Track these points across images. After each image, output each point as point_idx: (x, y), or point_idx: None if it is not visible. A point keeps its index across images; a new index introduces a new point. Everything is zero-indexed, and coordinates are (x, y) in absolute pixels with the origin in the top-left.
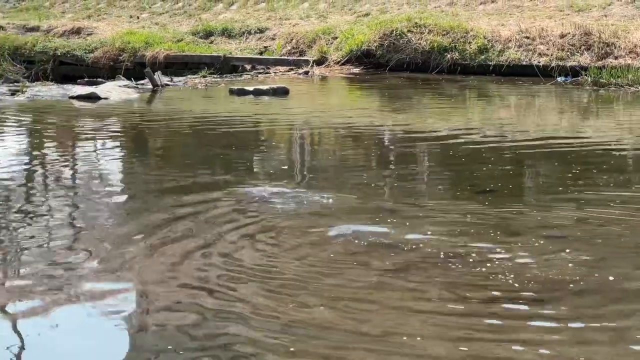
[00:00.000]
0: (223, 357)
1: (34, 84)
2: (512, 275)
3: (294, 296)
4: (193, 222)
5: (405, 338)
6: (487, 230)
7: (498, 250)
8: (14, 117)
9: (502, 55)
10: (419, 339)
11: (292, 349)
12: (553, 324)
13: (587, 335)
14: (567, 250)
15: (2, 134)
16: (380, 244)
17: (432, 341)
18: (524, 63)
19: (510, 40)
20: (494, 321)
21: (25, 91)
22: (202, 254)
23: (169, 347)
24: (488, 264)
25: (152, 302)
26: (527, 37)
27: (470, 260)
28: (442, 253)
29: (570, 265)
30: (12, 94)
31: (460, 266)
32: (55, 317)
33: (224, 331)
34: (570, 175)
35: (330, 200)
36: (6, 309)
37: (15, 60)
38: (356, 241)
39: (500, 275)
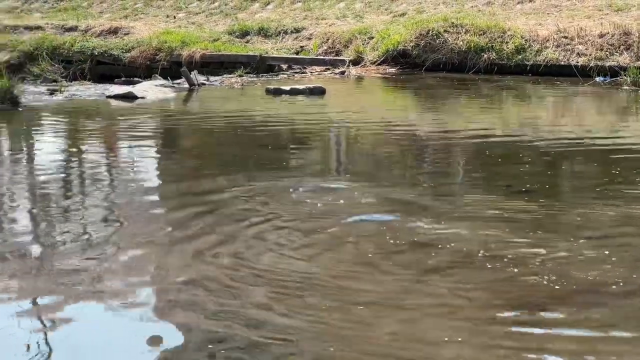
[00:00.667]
0: (258, 357)
1: (71, 83)
2: (550, 277)
3: (327, 296)
4: (226, 219)
5: (439, 341)
6: (524, 231)
7: (536, 251)
8: (53, 117)
9: (539, 55)
10: (459, 339)
11: (331, 349)
12: (593, 326)
13: (628, 338)
14: (607, 252)
15: (41, 133)
16: (416, 243)
17: (466, 344)
18: (562, 63)
19: (548, 40)
20: (532, 324)
21: (64, 91)
22: (235, 251)
23: (195, 342)
24: (525, 265)
25: (177, 294)
26: (565, 37)
27: (507, 261)
28: (478, 253)
29: (609, 266)
30: (51, 94)
31: (496, 267)
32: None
33: (258, 327)
34: (609, 175)
35: (365, 199)
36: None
37: (53, 60)
38: (392, 240)
39: (538, 277)
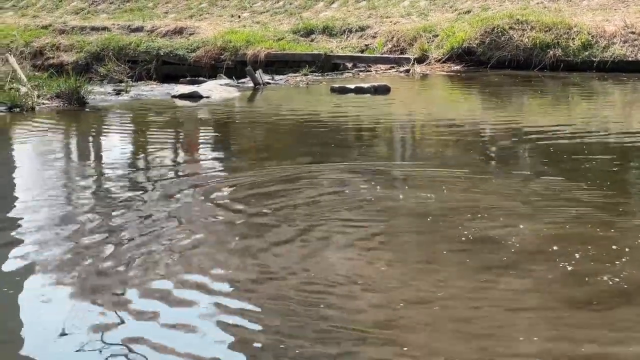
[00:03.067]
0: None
1: (137, 83)
2: (617, 276)
3: (395, 293)
4: (299, 211)
5: (507, 339)
6: (592, 229)
7: (603, 249)
8: (119, 117)
9: (606, 51)
10: (534, 338)
11: (405, 349)
12: None
13: None
14: None
15: (108, 133)
16: (484, 239)
17: (535, 341)
18: (630, 59)
19: (615, 36)
20: (599, 321)
21: (129, 91)
22: (315, 243)
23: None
24: (593, 263)
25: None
26: (633, 32)
27: (576, 257)
28: (546, 250)
29: None
30: (117, 94)
31: (564, 265)
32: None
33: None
34: None
35: (431, 195)
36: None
37: (119, 60)
38: (463, 238)
39: (605, 276)
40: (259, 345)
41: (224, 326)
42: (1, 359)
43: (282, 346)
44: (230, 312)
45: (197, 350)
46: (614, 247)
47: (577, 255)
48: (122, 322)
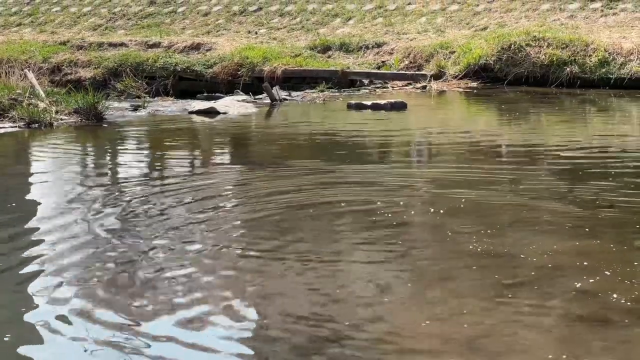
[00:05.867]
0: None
1: (154, 99)
2: (633, 293)
3: (405, 306)
4: (323, 228)
5: (524, 356)
6: (607, 247)
7: (618, 268)
8: (136, 132)
9: (623, 69)
10: (549, 356)
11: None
12: None
13: None
14: None
15: (125, 149)
16: (496, 255)
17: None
18: None
19: (632, 53)
20: (608, 339)
21: (147, 106)
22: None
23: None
24: (606, 282)
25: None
26: None
27: (594, 274)
28: (558, 268)
29: None
30: (134, 109)
31: (581, 281)
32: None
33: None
34: None
35: (442, 211)
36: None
37: (137, 76)
38: (472, 253)
39: (622, 293)
40: None
41: (240, 344)
42: None
43: None
44: (246, 328)
45: None
46: (635, 263)
47: (594, 272)
48: (138, 336)
